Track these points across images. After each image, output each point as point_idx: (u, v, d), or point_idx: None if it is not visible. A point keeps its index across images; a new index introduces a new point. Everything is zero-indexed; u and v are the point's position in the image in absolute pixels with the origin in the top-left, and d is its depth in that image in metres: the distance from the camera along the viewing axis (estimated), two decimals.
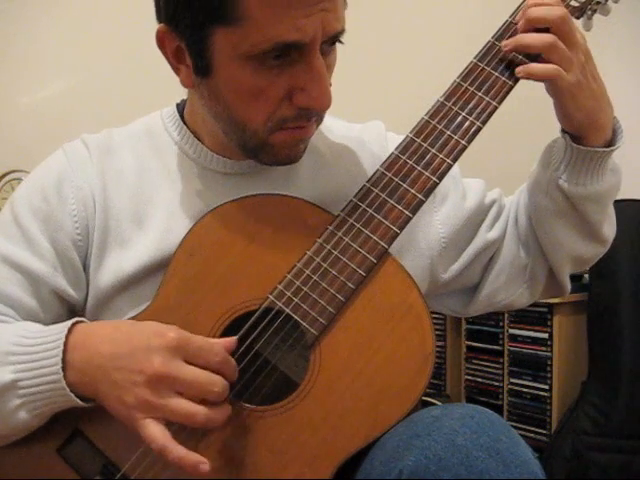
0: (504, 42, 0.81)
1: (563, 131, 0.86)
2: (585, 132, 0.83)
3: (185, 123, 0.88)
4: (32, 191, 0.85)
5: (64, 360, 0.70)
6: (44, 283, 0.82)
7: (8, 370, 0.71)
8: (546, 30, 0.79)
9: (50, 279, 0.82)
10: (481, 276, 0.96)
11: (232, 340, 0.71)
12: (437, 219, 0.92)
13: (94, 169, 0.85)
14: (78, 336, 0.72)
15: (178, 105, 0.91)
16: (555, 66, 0.78)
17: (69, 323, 0.73)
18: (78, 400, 0.71)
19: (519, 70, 0.80)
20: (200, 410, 0.67)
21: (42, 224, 0.83)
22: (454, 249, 0.93)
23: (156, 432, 0.66)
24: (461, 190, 0.94)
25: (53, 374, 0.70)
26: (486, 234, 0.94)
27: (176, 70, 0.79)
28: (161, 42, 0.77)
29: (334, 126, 0.94)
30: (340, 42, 0.76)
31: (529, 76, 0.79)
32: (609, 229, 0.93)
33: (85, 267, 0.84)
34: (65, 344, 0.71)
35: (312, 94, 0.74)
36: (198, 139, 0.87)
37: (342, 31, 0.75)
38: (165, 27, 0.76)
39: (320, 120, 0.81)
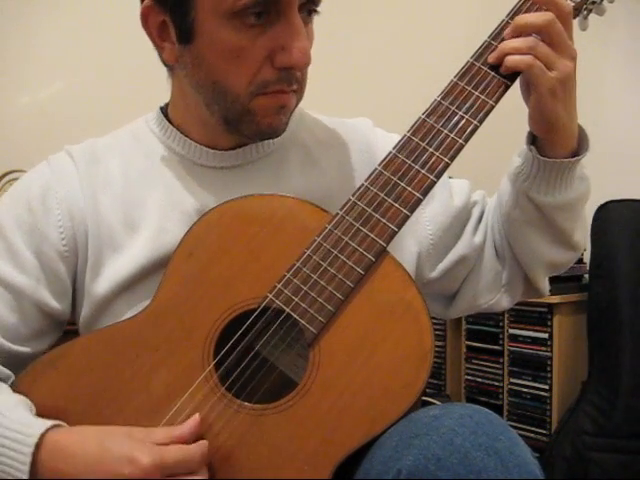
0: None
1: (529, 142, 0.86)
2: (554, 137, 0.83)
3: (170, 122, 0.89)
4: (17, 203, 0.85)
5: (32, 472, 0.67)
6: (26, 297, 0.82)
7: None
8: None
9: (33, 292, 0.82)
10: (462, 280, 0.96)
11: (195, 420, 0.70)
12: (425, 217, 0.93)
13: (80, 179, 0.85)
14: (45, 455, 0.68)
15: (162, 108, 0.92)
16: (531, 56, 0.77)
17: (37, 434, 0.68)
18: None
19: (492, 56, 0.79)
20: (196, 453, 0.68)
21: (26, 236, 0.83)
22: (441, 247, 0.93)
23: None
24: (448, 189, 0.95)
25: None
26: (472, 238, 0.95)
27: (160, 49, 0.82)
28: (145, 19, 0.80)
29: (320, 121, 0.95)
30: (316, 12, 0.79)
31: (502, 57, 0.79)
32: (580, 235, 0.93)
33: (75, 278, 0.84)
34: (34, 456, 0.67)
35: (292, 52, 0.76)
36: (183, 134, 0.87)
37: None
38: (149, 2, 0.78)
39: (301, 91, 0.82)
